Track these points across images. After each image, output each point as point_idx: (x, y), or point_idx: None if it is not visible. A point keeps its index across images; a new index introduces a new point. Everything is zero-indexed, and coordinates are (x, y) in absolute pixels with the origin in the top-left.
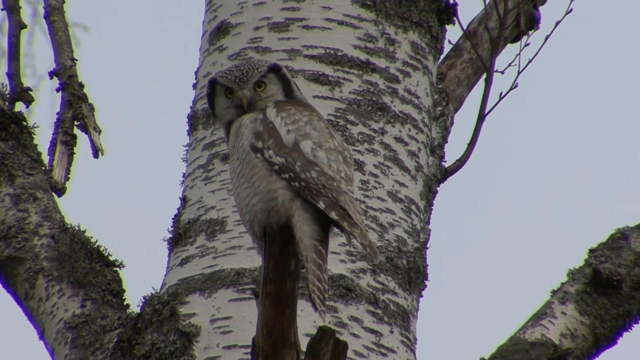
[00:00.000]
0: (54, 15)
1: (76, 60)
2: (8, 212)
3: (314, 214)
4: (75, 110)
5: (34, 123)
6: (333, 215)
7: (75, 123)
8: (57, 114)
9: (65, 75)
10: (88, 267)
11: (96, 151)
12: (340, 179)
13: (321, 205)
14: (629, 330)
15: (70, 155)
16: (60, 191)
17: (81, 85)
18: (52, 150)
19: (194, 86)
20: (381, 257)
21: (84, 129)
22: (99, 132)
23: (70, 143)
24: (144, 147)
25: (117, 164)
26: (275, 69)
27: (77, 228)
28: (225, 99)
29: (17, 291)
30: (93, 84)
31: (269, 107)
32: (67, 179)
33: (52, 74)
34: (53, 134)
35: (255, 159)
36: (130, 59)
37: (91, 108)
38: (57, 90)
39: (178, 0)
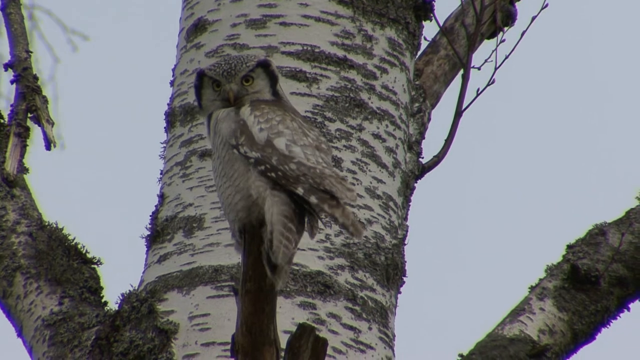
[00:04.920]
0: (10, 7)
1: (31, 52)
2: None
3: (286, 200)
4: (29, 102)
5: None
6: (313, 199)
7: (29, 115)
8: (11, 105)
9: (20, 68)
10: (66, 264)
11: (49, 143)
12: (323, 168)
13: (300, 190)
14: (607, 326)
15: (23, 147)
16: (12, 183)
17: (35, 78)
18: (4, 142)
19: (172, 83)
20: (359, 253)
21: (38, 121)
22: (52, 124)
23: (23, 135)
24: (122, 144)
25: (95, 160)
26: (264, 65)
27: (54, 225)
28: (212, 92)
29: None
30: (72, 81)
31: (244, 106)
32: (19, 170)
33: (6, 66)
34: (7, 125)
35: (234, 153)
36: (107, 55)
37: (45, 100)
38: (12, 82)
39: None
